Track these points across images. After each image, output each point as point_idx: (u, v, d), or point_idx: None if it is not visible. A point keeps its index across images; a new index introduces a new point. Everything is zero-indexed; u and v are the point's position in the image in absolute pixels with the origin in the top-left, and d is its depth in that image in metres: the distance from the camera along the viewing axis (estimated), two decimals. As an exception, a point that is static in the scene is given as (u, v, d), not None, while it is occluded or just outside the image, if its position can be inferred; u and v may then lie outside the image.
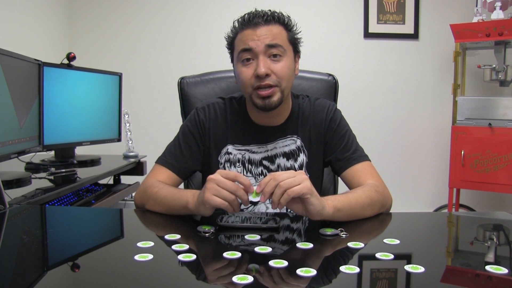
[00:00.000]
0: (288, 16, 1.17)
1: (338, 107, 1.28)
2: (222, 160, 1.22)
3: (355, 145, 1.22)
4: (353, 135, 1.24)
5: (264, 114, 1.18)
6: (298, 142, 1.22)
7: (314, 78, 1.53)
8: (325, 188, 1.46)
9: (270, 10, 1.15)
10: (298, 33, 1.19)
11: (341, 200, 0.97)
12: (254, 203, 1.20)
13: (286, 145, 1.21)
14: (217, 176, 0.90)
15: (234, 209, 0.90)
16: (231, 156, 1.21)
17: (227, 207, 0.89)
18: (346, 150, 1.20)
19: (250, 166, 1.21)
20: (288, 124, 1.23)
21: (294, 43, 1.18)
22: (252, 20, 1.12)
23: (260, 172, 1.21)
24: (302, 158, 1.22)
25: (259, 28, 1.11)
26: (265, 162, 1.21)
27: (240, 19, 1.15)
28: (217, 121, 1.23)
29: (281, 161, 1.21)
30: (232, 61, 1.20)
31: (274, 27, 1.13)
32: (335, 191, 1.51)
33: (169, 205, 1.03)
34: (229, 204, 0.89)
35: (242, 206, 1.20)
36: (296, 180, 0.87)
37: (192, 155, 1.21)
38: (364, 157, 1.19)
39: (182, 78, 1.52)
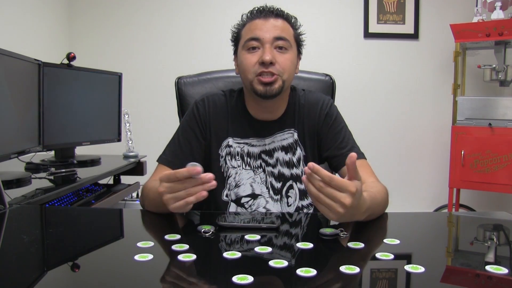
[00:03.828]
0: (295, 17, 1.22)
1: (336, 105, 1.28)
2: (223, 153, 1.22)
3: (352, 142, 1.22)
4: (349, 132, 1.25)
5: (262, 107, 1.20)
6: (295, 135, 1.23)
7: (311, 78, 1.53)
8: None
9: (279, 8, 1.20)
10: (302, 35, 1.22)
11: (370, 207, 0.92)
12: (254, 196, 1.20)
13: (284, 139, 1.22)
14: (162, 186, 0.88)
15: (196, 198, 0.86)
16: (231, 149, 1.22)
17: (191, 201, 0.86)
18: (342, 146, 1.20)
19: (248, 160, 1.22)
20: (286, 117, 1.23)
21: (298, 42, 1.22)
22: (262, 12, 1.17)
23: (258, 165, 1.21)
24: (299, 152, 1.22)
25: (268, 20, 1.16)
26: (263, 156, 1.22)
27: (249, 12, 1.20)
28: (218, 114, 1.23)
29: (280, 154, 1.21)
30: (234, 53, 1.23)
31: (283, 22, 1.17)
32: None
33: (159, 208, 1.02)
34: (192, 197, 0.86)
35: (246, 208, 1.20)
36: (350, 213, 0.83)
37: (192, 151, 1.21)
38: (361, 155, 1.20)
39: (179, 78, 1.50)
